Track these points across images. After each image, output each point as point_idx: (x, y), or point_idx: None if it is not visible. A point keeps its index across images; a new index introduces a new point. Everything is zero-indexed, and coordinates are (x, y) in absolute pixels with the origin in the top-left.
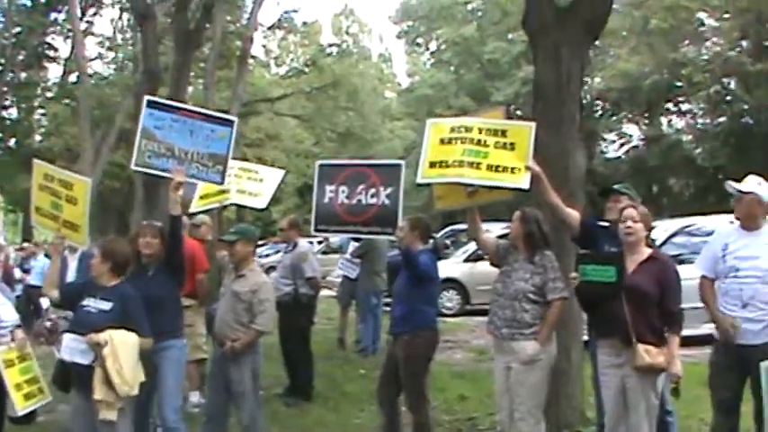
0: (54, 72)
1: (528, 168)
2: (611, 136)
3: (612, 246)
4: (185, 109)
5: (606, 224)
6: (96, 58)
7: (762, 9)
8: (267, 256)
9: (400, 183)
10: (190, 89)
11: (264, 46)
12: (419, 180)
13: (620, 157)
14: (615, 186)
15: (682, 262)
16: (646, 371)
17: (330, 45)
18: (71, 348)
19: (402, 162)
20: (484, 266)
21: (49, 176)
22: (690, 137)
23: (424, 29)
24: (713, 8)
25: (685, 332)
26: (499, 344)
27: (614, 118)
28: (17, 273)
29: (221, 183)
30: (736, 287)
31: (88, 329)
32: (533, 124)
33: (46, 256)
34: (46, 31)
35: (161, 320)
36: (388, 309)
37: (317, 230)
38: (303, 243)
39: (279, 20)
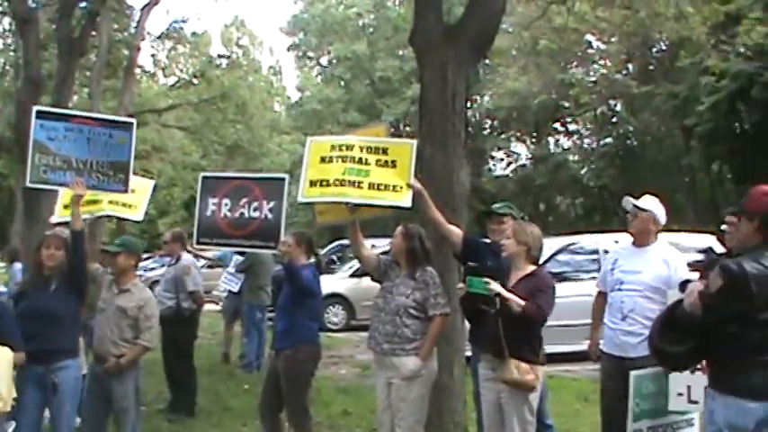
0: None
1: (410, 186)
2: (500, 154)
3: (495, 262)
4: (78, 116)
5: (488, 240)
6: None
7: (648, 33)
8: (153, 269)
9: (283, 197)
10: (75, 98)
11: (153, 56)
12: (300, 199)
13: (507, 174)
14: (495, 207)
15: (564, 279)
16: (515, 386)
17: (220, 56)
18: None
19: (286, 176)
20: (369, 282)
21: None
22: (576, 156)
23: (316, 42)
24: (601, 31)
25: (566, 348)
26: (380, 359)
27: (502, 136)
28: None
29: (125, 191)
30: (618, 300)
31: None
32: (414, 142)
33: None
34: None
35: (59, 338)
36: (272, 323)
37: (199, 243)
38: (186, 257)
39: (168, 29)
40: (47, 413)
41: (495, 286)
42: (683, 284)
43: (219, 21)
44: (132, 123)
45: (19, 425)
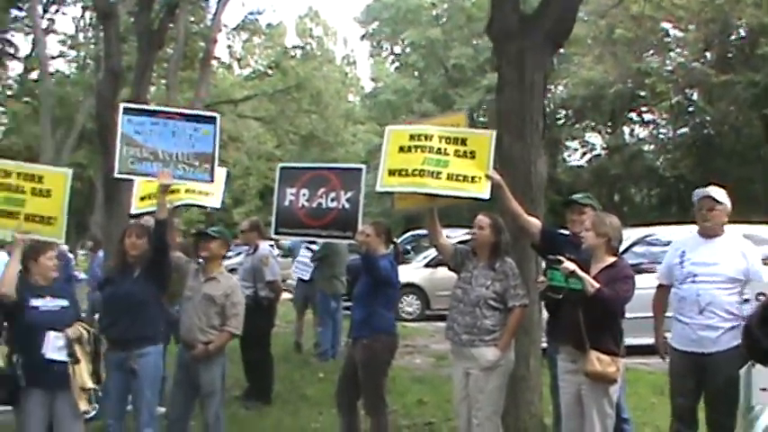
0: (14, 70)
1: (488, 177)
2: (574, 144)
3: (574, 254)
4: (163, 111)
5: (567, 233)
6: (58, 56)
7: (726, 20)
8: (228, 258)
9: (361, 187)
10: (152, 89)
11: (228, 47)
12: (378, 188)
13: (582, 165)
14: (576, 197)
15: (641, 271)
16: (597, 378)
17: (294, 47)
18: (54, 345)
19: (363, 166)
20: (444, 272)
21: (4, 171)
22: (652, 147)
23: (389, 31)
24: (678, 19)
25: (642, 341)
26: (458, 350)
27: (577, 126)
28: None
29: (211, 181)
30: (693, 293)
31: (61, 327)
32: (493, 132)
33: None
34: (6, 29)
35: (140, 325)
36: (348, 312)
37: (277, 233)
38: (264, 246)
39: (243, 21)
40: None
41: (569, 265)
42: None
43: (294, 12)
44: (216, 117)
45: (103, 408)
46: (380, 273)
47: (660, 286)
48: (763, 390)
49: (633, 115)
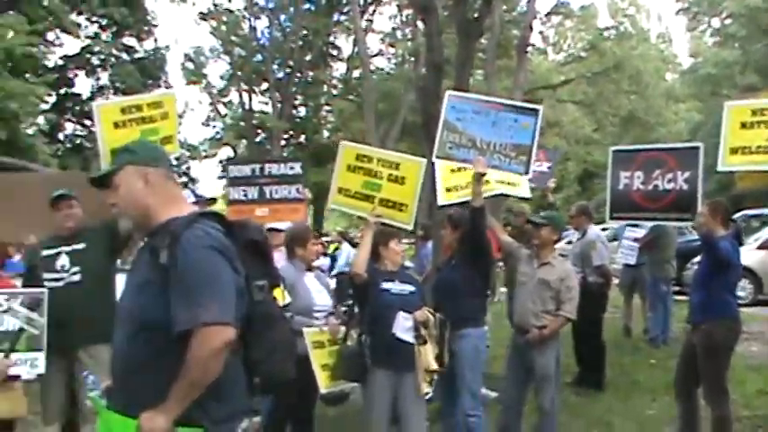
0: (338, 70)
1: None
2: None
3: None
4: (487, 100)
5: None
6: (378, 54)
7: None
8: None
9: (699, 166)
10: (470, 80)
11: (540, 33)
12: (720, 167)
13: None
14: None
15: None
16: None
17: (608, 28)
18: (403, 326)
19: (701, 144)
20: None
21: (365, 157)
22: None
23: (707, 4)
24: None
25: None
26: None
27: None
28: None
29: (526, 173)
30: None
31: (410, 310)
32: None
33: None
34: (330, 32)
35: (460, 308)
36: (677, 297)
37: (612, 218)
38: (593, 230)
39: (555, 6)
40: None
41: None
42: None
43: None
44: (539, 110)
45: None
46: (721, 255)
47: None
48: None
49: None
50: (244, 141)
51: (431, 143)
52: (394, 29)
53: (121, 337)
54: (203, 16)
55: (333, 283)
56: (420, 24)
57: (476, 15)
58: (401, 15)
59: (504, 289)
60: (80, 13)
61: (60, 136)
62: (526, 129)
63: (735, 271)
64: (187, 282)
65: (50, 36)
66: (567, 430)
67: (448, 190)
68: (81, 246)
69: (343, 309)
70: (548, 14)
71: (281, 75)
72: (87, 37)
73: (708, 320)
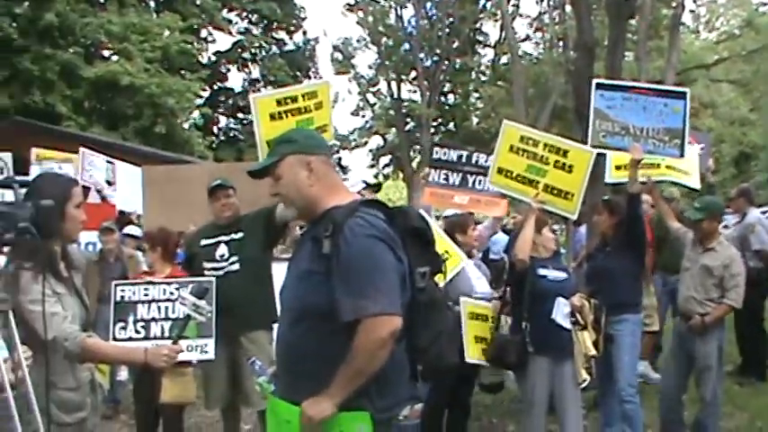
0: (486, 56)
1: None
2: None
3: None
4: (635, 87)
5: None
6: (525, 39)
7: None
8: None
9: None
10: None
11: (692, 11)
12: None
13: None
14: None
15: None
16: None
17: (764, 4)
18: (562, 312)
19: None
20: None
21: (531, 140)
22: None
23: None
24: None
25: None
26: None
27: None
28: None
29: (681, 156)
30: None
31: (567, 296)
32: None
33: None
34: (476, 18)
35: (617, 293)
36: None
37: None
38: (753, 213)
39: None
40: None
41: None
42: None
43: None
44: (686, 93)
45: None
46: None
47: None
48: None
49: None
50: (393, 130)
51: (583, 126)
52: (541, 13)
53: (285, 325)
54: (350, 7)
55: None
56: (568, 7)
57: None
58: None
59: None
60: (231, 10)
61: (214, 129)
62: (677, 113)
63: None
64: (351, 271)
65: (203, 33)
66: (731, 422)
67: (617, 168)
68: (239, 235)
69: (498, 296)
70: None
71: (428, 63)
72: (238, 32)
73: None
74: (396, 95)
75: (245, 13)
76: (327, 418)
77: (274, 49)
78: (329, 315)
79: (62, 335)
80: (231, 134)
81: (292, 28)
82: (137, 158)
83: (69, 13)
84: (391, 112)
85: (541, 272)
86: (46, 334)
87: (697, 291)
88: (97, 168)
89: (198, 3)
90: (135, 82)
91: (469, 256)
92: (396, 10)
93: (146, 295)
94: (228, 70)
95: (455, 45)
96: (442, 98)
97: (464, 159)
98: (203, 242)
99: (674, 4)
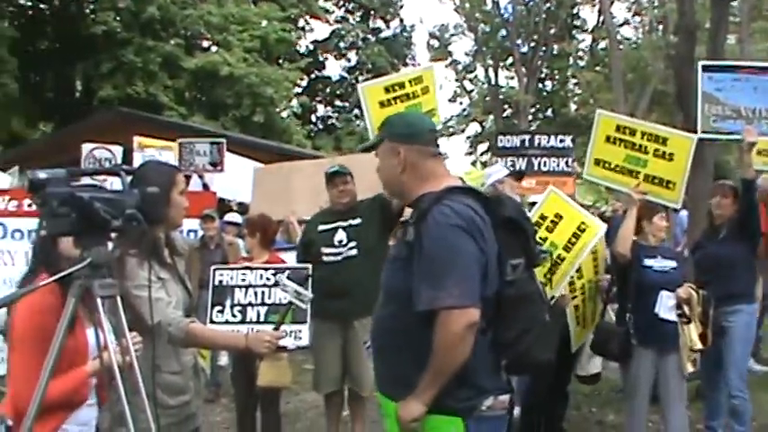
0: (584, 41)
1: None
2: None
3: None
4: (745, 66)
5: None
6: (624, 23)
7: None
8: None
9: None
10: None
11: None
12: None
13: None
14: None
15: None
16: None
17: None
18: (666, 305)
19: None
20: None
21: (628, 129)
22: None
23: None
24: None
25: None
26: None
27: None
28: None
29: None
30: None
31: (672, 287)
32: None
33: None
34: (574, 3)
35: (730, 283)
36: None
37: None
38: None
39: None
40: None
41: None
42: None
43: None
44: None
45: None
46: None
47: None
48: None
49: None
50: (491, 117)
51: (685, 112)
52: None
53: (378, 306)
54: None
55: None
56: None
57: None
58: None
59: None
60: None
61: (312, 118)
62: None
63: None
64: (429, 261)
65: (301, 22)
66: None
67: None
68: (357, 221)
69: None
70: None
71: (525, 49)
72: (335, 21)
73: None
74: (493, 82)
75: (341, 2)
76: (418, 419)
77: (371, 37)
78: (408, 302)
79: (166, 320)
80: (329, 122)
81: (389, 16)
82: (236, 147)
83: (170, 5)
84: (488, 98)
85: (647, 262)
86: (152, 319)
87: None
88: (199, 155)
89: None
90: (234, 72)
91: None
92: None
93: (243, 280)
94: (326, 59)
95: (552, 30)
96: (540, 84)
97: (527, 144)
98: (321, 227)
99: None
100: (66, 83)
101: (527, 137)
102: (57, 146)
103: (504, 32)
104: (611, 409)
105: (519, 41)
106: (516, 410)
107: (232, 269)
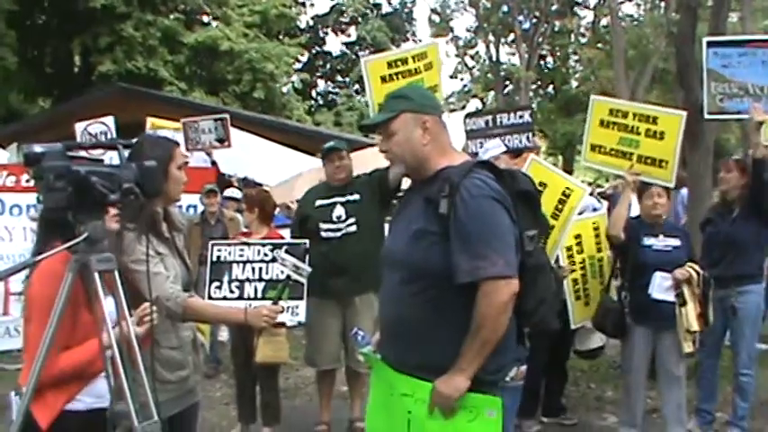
0: (586, 18)
1: None
2: None
3: None
4: (752, 40)
5: None
6: (624, 0)
7: None
8: None
9: None
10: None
11: None
12: None
13: None
14: None
15: None
16: None
17: None
18: (661, 286)
19: None
20: None
21: (620, 112)
22: None
23: None
24: None
25: None
26: None
27: None
28: None
29: None
30: None
31: (671, 267)
32: None
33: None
34: None
35: (741, 263)
36: None
37: None
38: None
39: None
40: None
41: None
42: None
43: None
44: None
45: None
46: None
47: None
48: None
49: None
50: (492, 93)
51: (686, 89)
52: None
53: (394, 282)
54: None
55: None
56: None
57: None
58: None
59: None
60: None
61: (313, 93)
62: None
63: None
64: (470, 232)
65: None
66: None
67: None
68: (355, 197)
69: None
70: None
71: (527, 25)
72: None
73: None
74: (494, 58)
75: None
76: (463, 393)
77: (371, 12)
78: (443, 276)
79: (164, 294)
80: (329, 98)
81: None
82: (237, 122)
83: None
84: (489, 75)
85: (647, 242)
86: (150, 293)
87: None
88: (205, 133)
89: None
90: (234, 47)
91: None
92: None
93: (241, 256)
94: (326, 34)
95: (554, 7)
96: (541, 61)
97: (491, 124)
98: (318, 203)
99: None
100: (65, 57)
101: (490, 117)
102: (55, 121)
103: (505, 8)
104: (610, 386)
105: (520, 18)
106: None
107: (230, 245)
